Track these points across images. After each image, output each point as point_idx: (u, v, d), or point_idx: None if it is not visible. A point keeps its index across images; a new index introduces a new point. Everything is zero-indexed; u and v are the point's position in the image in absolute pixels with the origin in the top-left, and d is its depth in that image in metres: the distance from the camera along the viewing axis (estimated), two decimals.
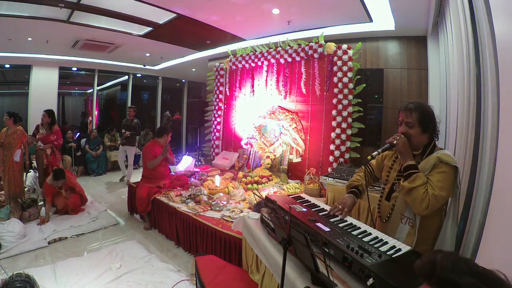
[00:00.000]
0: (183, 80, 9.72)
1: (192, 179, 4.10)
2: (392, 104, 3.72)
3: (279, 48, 4.29)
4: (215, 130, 5.46)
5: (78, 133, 7.08)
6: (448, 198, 1.34)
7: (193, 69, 7.62)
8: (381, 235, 1.32)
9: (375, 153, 1.47)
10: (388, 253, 1.15)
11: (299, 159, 4.07)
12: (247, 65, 4.81)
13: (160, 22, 4.12)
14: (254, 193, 2.98)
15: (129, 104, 8.28)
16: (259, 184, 3.72)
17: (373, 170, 1.73)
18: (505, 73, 0.97)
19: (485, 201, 1.16)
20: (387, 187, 1.56)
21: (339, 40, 3.84)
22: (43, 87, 6.72)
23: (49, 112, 4.36)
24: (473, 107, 1.47)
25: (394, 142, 1.40)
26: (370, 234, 1.33)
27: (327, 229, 1.36)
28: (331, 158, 3.72)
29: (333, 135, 3.69)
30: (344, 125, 3.62)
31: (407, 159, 1.38)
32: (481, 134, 1.32)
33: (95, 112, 8.11)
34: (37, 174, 4.80)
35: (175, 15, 3.76)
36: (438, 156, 1.34)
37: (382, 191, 1.60)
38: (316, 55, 3.87)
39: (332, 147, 3.70)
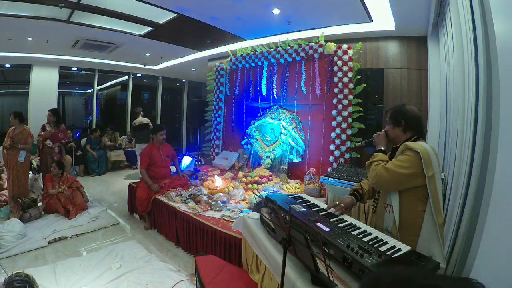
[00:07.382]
0: (183, 80, 9.72)
1: (192, 179, 4.10)
2: (392, 104, 3.70)
3: (279, 48, 4.29)
4: (215, 130, 5.46)
5: (78, 133, 7.08)
6: (407, 179, 1.36)
7: (193, 69, 7.62)
8: (381, 235, 1.32)
9: (359, 144, 1.87)
10: (388, 253, 1.15)
11: (299, 159, 4.07)
12: (247, 65, 4.81)
13: (160, 22, 4.12)
14: (254, 193, 2.98)
15: (129, 103, 8.35)
16: (259, 184, 3.72)
17: None
18: (505, 73, 0.97)
19: (486, 200, 1.16)
20: None
21: (339, 40, 3.84)
22: (43, 87, 6.72)
23: (53, 111, 4.43)
24: (473, 107, 1.47)
25: (373, 136, 1.66)
26: (370, 234, 1.34)
27: (327, 229, 1.36)
28: (331, 158, 3.72)
29: (333, 135, 3.69)
30: (344, 125, 3.62)
31: (378, 146, 1.62)
32: (480, 134, 1.32)
33: (95, 112, 8.13)
34: (36, 176, 4.80)
35: (175, 15, 3.76)
36: (405, 143, 1.45)
37: None
38: (316, 55, 3.87)
39: (332, 147, 3.70)
